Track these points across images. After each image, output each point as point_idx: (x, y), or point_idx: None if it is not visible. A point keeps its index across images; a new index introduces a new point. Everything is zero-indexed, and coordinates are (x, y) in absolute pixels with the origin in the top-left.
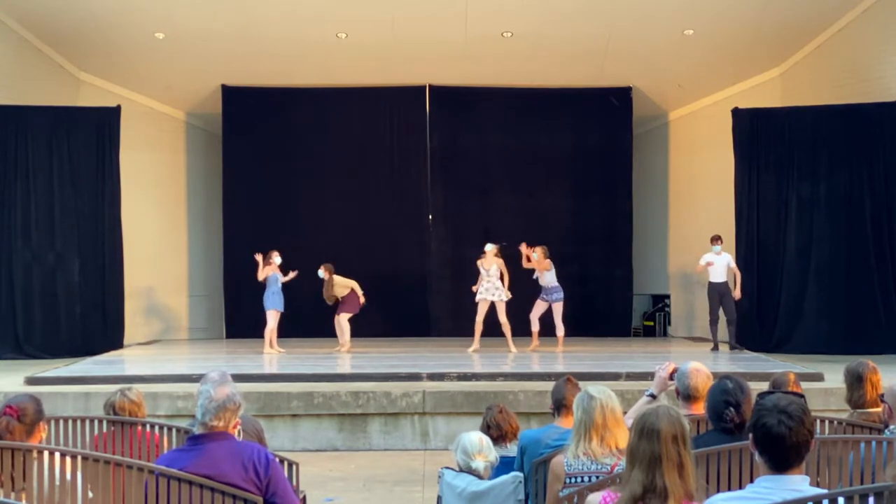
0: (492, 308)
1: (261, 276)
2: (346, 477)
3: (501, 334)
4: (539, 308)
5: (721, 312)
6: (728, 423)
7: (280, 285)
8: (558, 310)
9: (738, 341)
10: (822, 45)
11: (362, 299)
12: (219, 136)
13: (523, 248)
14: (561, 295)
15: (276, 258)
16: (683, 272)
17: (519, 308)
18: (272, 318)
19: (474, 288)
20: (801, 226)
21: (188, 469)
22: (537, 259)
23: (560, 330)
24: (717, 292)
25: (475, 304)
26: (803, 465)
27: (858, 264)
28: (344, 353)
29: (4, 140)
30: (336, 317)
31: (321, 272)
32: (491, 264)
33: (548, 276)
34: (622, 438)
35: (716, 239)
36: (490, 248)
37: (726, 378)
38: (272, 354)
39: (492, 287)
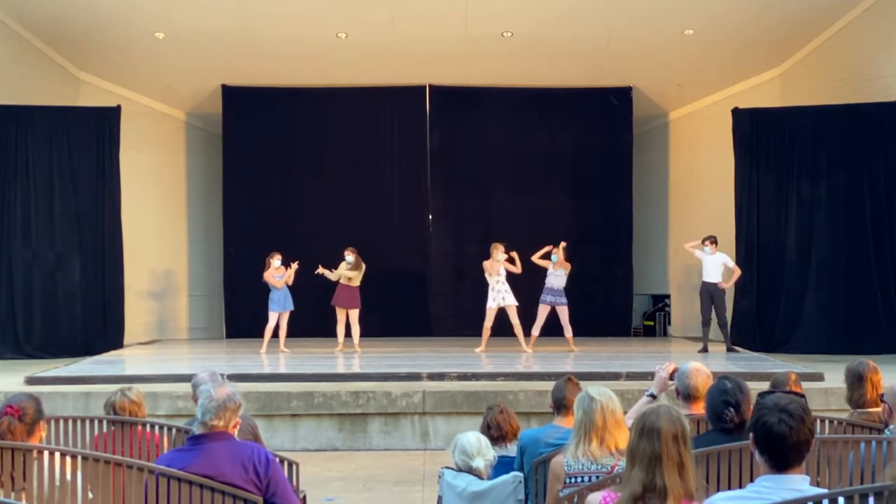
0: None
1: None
2: (346, 477)
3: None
4: (543, 315)
5: (713, 315)
6: (728, 423)
7: (281, 286)
8: (565, 312)
9: (734, 342)
10: (822, 45)
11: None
12: (219, 136)
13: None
14: (565, 300)
15: (275, 261)
16: (684, 272)
17: (527, 308)
18: (270, 319)
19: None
20: (801, 225)
21: (188, 469)
22: (558, 260)
23: (569, 331)
24: (708, 292)
25: (474, 306)
26: (804, 464)
27: (858, 264)
28: (337, 352)
29: (4, 140)
30: (345, 313)
31: (350, 256)
32: (498, 267)
33: (562, 279)
34: (622, 440)
35: (706, 240)
36: (501, 252)
37: (725, 378)
38: (263, 355)
39: (503, 291)
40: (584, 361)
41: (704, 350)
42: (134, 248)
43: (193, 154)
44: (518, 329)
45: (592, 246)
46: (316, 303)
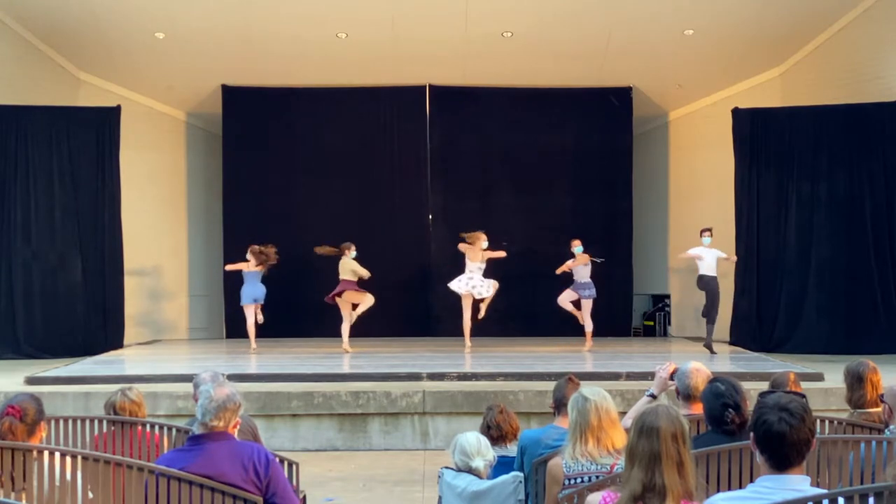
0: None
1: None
2: (346, 477)
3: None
4: (567, 298)
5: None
6: (730, 424)
7: (249, 280)
8: (589, 306)
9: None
10: (822, 45)
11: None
12: (219, 136)
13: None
14: (594, 292)
15: (249, 255)
16: (684, 272)
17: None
18: (246, 314)
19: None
20: (801, 225)
21: (188, 469)
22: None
23: (589, 325)
24: (707, 285)
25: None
26: (804, 464)
27: (858, 264)
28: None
29: (4, 140)
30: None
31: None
32: (479, 258)
33: (585, 272)
34: (618, 439)
35: (705, 231)
36: (484, 240)
37: (716, 381)
38: (257, 353)
39: (478, 282)
40: (584, 361)
41: (709, 349)
42: (134, 248)
43: (193, 154)
44: (468, 325)
45: (592, 246)
46: (316, 304)
